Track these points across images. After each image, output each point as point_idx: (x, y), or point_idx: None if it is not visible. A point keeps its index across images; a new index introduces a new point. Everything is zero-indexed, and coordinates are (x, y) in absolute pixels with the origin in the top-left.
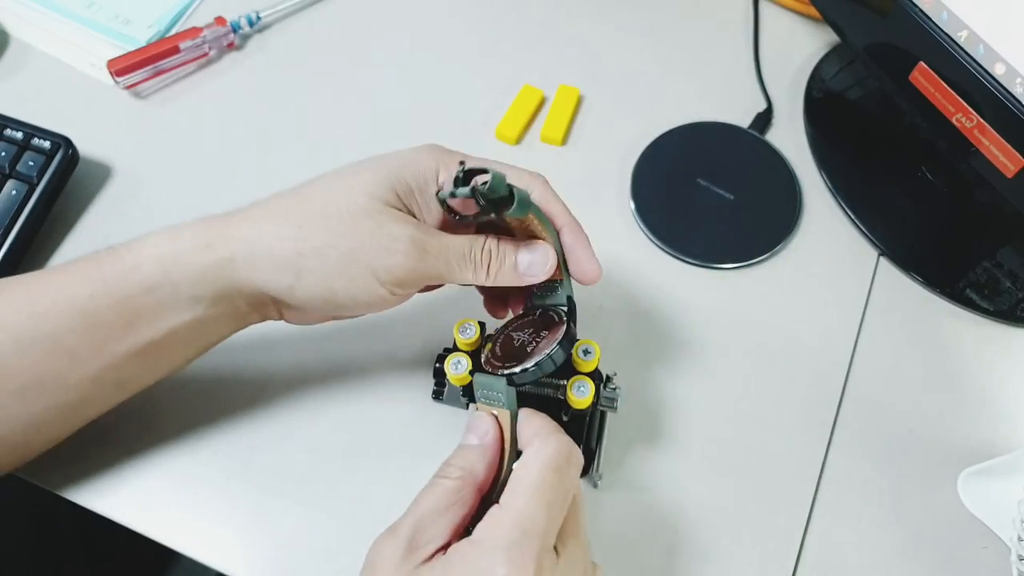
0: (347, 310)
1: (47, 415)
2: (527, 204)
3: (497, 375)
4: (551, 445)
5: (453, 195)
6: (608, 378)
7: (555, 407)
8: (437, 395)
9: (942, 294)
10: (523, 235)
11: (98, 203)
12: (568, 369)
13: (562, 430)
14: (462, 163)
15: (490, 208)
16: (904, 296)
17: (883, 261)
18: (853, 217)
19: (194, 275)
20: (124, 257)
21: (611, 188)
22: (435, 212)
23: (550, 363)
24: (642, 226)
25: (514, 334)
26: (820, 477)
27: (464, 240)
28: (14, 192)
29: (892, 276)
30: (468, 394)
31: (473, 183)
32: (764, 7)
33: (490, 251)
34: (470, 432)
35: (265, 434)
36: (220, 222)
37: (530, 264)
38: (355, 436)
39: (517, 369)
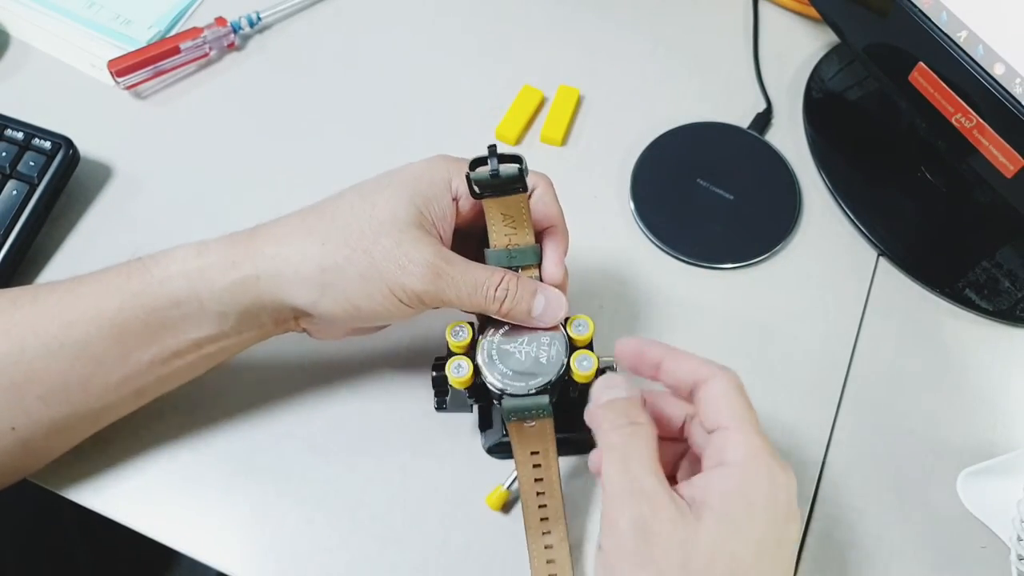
0: (370, 322)
1: (68, 420)
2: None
3: (533, 394)
4: (729, 372)
5: (495, 173)
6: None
7: (563, 386)
8: (440, 405)
9: (941, 294)
10: (501, 222)
11: (99, 203)
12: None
13: (713, 362)
14: (492, 146)
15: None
16: (904, 296)
17: (882, 261)
18: (852, 217)
19: (220, 292)
20: (152, 270)
21: (611, 188)
22: (450, 218)
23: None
24: (642, 226)
25: (511, 348)
26: (820, 477)
27: (481, 272)
28: (15, 192)
29: (891, 276)
30: (475, 394)
31: (477, 172)
32: (764, 7)
33: (507, 290)
34: (615, 388)
35: (265, 433)
36: (246, 239)
37: (544, 310)
38: (355, 435)
39: (545, 382)
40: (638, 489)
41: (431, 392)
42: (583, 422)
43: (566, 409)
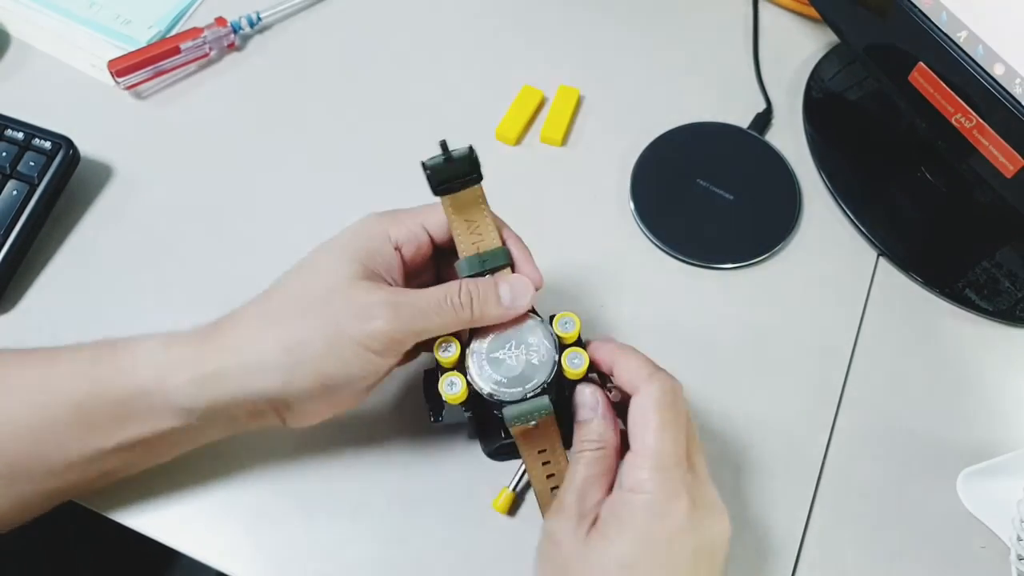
0: (345, 391)
1: (31, 497)
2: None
3: (531, 397)
4: (655, 385)
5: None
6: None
7: (558, 383)
8: (437, 419)
9: (941, 294)
10: (467, 231)
11: (99, 203)
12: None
13: (657, 366)
14: (443, 141)
15: (447, 179)
16: (903, 296)
17: (882, 261)
18: (852, 217)
19: (186, 385)
20: (122, 357)
21: (611, 188)
22: (397, 267)
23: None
24: (642, 226)
25: (500, 355)
26: (820, 477)
27: (438, 290)
28: (15, 192)
29: (891, 276)
30: (471, 407)
31: (430, 161)
32: (764, 7)
33: (469, 293)
34: (584, 408)
35: (265, 433)
36: (209, 334)
37: (513, 296)
38: (355, 435)
39: (541, 383)
40: (559, 504)
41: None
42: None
43: (561, 406)
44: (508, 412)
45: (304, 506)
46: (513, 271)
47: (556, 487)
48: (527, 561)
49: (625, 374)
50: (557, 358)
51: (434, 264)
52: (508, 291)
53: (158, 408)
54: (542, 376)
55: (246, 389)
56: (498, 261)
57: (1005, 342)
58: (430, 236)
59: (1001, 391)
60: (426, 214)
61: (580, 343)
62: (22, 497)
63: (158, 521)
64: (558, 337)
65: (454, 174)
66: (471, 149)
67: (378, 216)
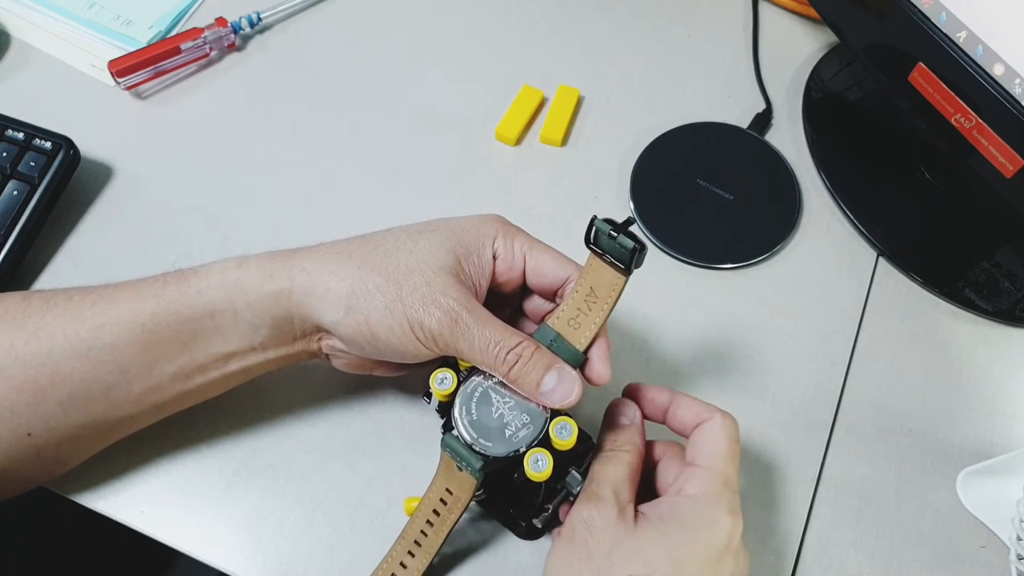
0: (387, 355)
1: (83, 430)
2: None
3: (474, 452)
4: (729, 419)
5: (612, 230)
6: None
7: (506, 465)
8: (448, 427)
9: (941, 294)
10: (583, 297)
11: (100, 203)
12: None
13: (715, 406)
14: (632, 220)
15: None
16: (903, 296)
17: (882, 261)
18: (852, 217)
19: (255, 301)
20: (191, 280)
21: (611, 188)
22: (488, 274)
23: (521, 457)
24: (642, 226)
25: (494, 398)
26: (820, 477)
27: (499, 331)
28: (15, 192)
29: (891, 276)
30: (442, 411)
31: (598, 229)
32: (763, 7)
33: (519, 355)
34: (621, 415)
35: (266, 434)
36: (285, 255)
37: (554, 388)
38: (355, 436)
39: (488, 453)
40: (595, 495)
41: (431, 390)
42: (522, 503)
43: (508, 485)
44: (447, 439)
45: (304, 506)
46: (584, 365)
47: (432, 524)
48: (524, 559)
49: (688, 411)
50: (523, 451)
51: (519, 298)
52: (552, 383)
53: (225, 328)
54: (496, 450)
55: (304, 310)
56: (565, 355)
57: (1005, 342)
58: (524, 270)
59: (1001, 391)
60: (536, 250)
61: (574, 449)
62: (76, 430)
63: (158, 521)
64: (551, 439)
65: (610, 249)
66: (640, 247)
67: (496, 220)
